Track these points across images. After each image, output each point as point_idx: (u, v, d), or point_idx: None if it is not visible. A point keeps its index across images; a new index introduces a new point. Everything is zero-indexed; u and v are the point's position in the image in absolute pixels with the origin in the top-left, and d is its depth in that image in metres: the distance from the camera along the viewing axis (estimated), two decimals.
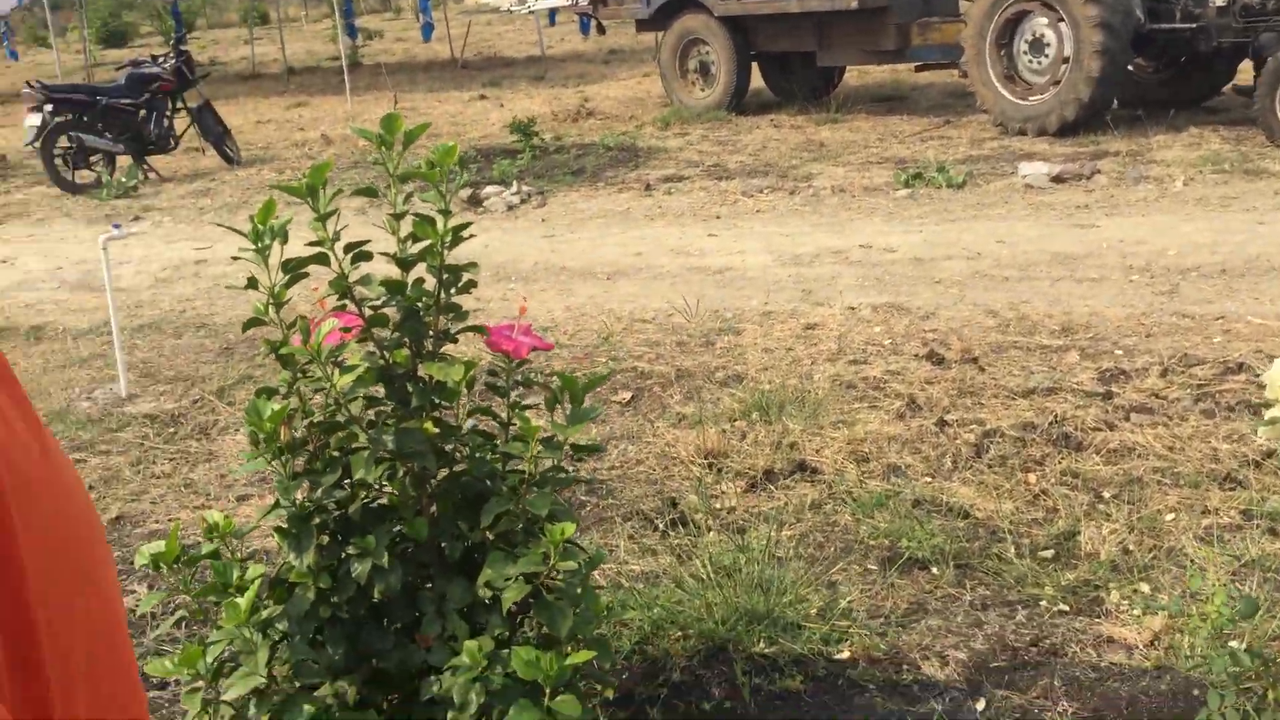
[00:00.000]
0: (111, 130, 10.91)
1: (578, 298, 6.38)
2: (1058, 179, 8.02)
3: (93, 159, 10.89)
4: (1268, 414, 2.09)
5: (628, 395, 4.85)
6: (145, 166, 11.10)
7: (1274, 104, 8.50)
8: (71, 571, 0.68)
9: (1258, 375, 4.52)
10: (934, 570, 3.23)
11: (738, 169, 9.41)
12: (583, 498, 3.88)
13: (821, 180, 8.76)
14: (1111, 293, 5.78)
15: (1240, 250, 6.27)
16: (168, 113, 11.33)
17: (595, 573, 3.24)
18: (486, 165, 10.06)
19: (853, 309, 5.81)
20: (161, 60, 11.46)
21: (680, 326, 5.71)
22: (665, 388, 4.90)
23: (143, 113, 11.07)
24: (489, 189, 9.03)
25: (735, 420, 4.43)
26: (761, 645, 2.76)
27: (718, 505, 3.70)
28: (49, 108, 10.63)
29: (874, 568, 3.28)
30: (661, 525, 3.55)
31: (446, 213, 1.97)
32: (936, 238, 7.02)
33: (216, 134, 11.48)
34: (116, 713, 0.69)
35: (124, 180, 10.64)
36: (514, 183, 9.16)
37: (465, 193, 9.02)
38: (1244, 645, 2.43)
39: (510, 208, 8.71)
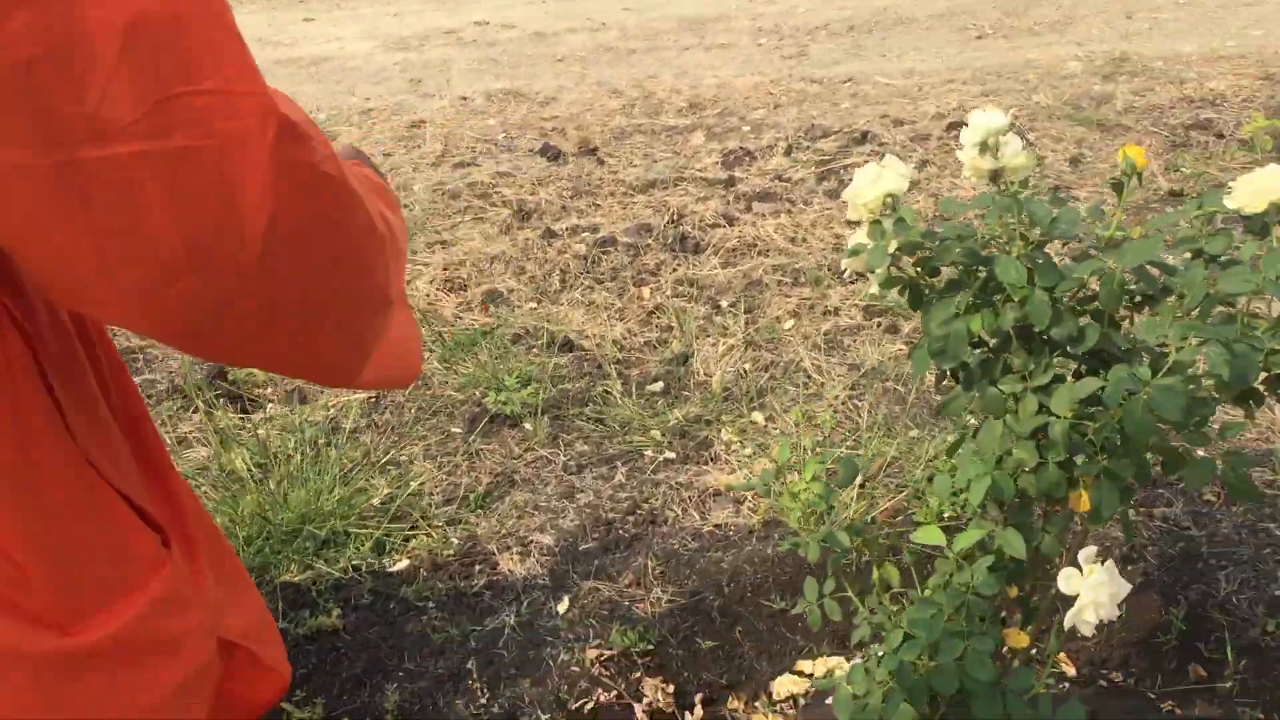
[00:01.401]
0: None
1: None
2: None
3: None
4: (851, 241, 1.65)
5: None
6: None
7: None
8: None
9: (884, 145, 4.22)
10: (527, 426, 2.74)
11: None
12: None
13: None
14: (740, 60, 5.35)
15: (867, 2, 5.96)
16: None
17: None
18: None
19: (464, 99, 5.12)
20: None
21: None
22: None
23: None
24: None
25: None
26: (294, 572, 2.20)
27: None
28: None
29: (458, 430, 2.76)
30: (200, 402, 2.89)
31: None
32: (559, 8, 6.35)
33: None
34: None
35: None
36: None
37: None
38: (845, 519, 2.08)
39: None
